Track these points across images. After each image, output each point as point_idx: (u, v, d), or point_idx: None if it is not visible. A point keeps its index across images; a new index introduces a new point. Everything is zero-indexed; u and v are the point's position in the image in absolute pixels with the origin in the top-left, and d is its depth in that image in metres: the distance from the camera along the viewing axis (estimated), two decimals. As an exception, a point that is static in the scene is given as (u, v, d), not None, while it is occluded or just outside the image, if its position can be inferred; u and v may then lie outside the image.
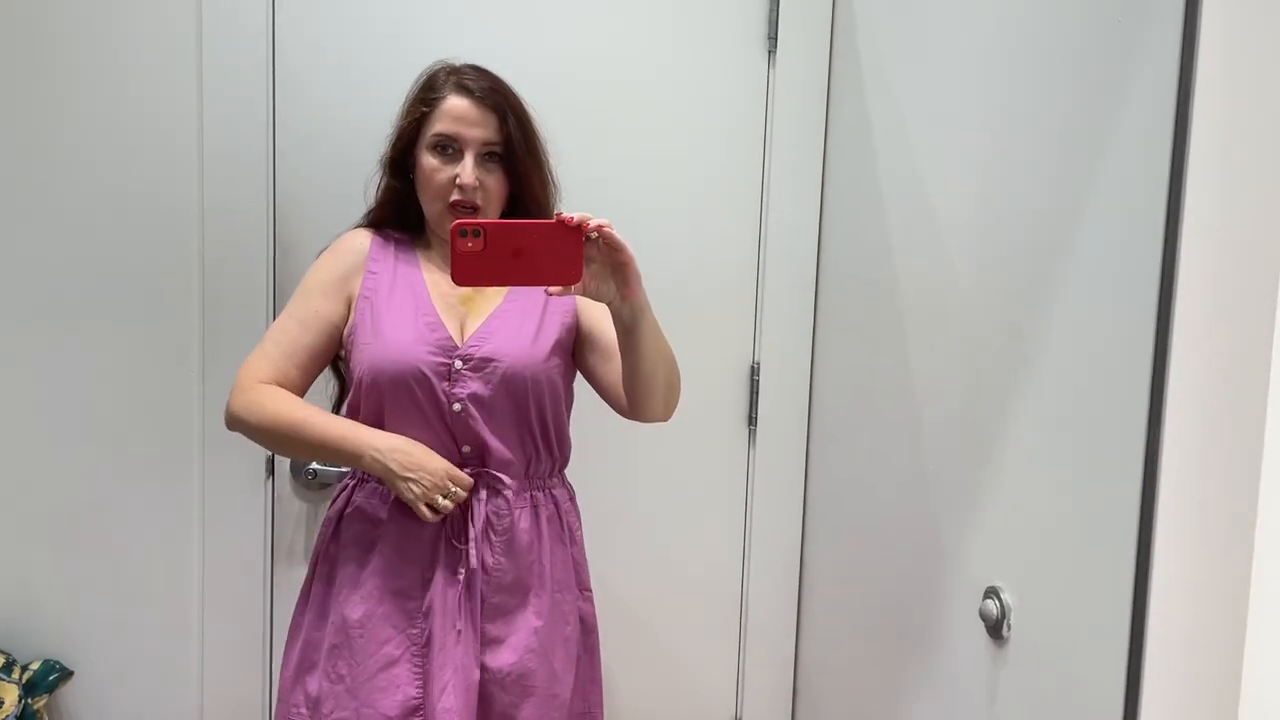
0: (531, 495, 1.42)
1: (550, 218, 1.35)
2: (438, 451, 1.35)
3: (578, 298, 1.43)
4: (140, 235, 1.76)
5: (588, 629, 1.50)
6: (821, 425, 1.90)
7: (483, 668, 1.37)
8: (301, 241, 1.77)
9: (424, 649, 1.37)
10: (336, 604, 1.40)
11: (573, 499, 1.51)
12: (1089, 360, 1.07)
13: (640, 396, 1.34)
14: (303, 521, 1.87)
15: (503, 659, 1.37)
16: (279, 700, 1.46)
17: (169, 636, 1.82)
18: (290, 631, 1.48)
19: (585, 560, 1.51)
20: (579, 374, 1.49)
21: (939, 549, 1.38)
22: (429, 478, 1.32)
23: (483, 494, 1.37)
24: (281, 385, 1.40)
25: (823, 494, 1.89)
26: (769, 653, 2.00)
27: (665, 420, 1.40)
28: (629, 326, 1.26)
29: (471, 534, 1.37)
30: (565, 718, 1.42)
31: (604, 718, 1.52)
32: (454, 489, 1.34)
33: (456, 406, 1.36)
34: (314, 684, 1.41)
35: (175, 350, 1.78)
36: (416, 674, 1.36)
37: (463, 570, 1.36)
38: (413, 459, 1.33)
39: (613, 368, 1.39)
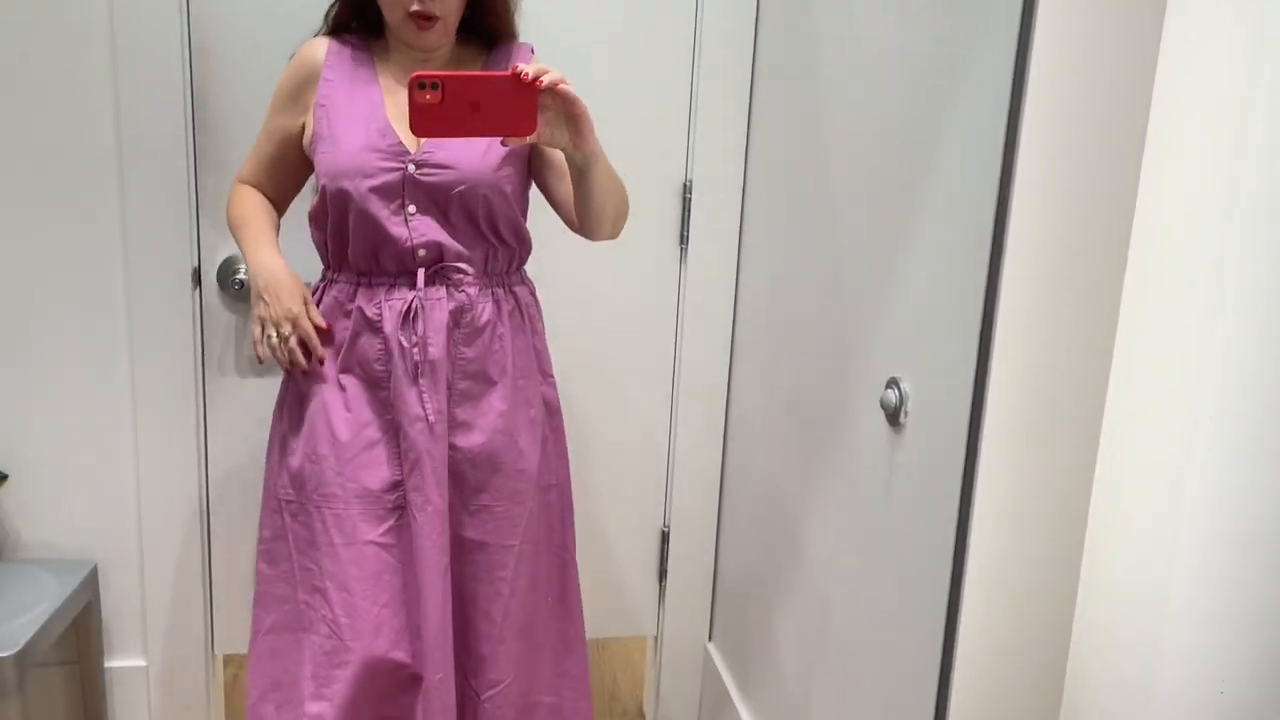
0: (493, 291, 1.50)
1: (510, 31, 1.50)
2: (393, 254, 1.44)
3: None
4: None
5: (551, 410, 1.61)
6: (751, 242, 1.91)
7: (453, 447, 1.48)
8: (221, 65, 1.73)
9: (395, 434, 1.48)
10: (316, 387, 1.50)
11: (533, 293, 1.59)
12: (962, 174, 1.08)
13: (590, 225, 1.45)
14: (232, 334, 1.87)
15: (472, 440, 1.48)
16: (265, 491, 1.57)
17: (103, 443, 1.84)
18: (272, 425, 1.58)
19: (546, 349, 1.61)
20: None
21: (848, 346, 1.42)
22: (276, 306, 1.44)
23: (442, 291, 1.45)
24: (255, 184, 1.56)
25: (750, 309, 1.92)
26: (696, 464, 2.06)
27: (613, 239, 1.51)
28: (582, 170, 1.36)
29: (419, 330, 1.45)
30: (533, 488, 1.55)
31: (572, 486, 1.66)
32: (286, 329, 1.44)
33: (412, 209, 1.42)
34: (295, 462, 1.50)
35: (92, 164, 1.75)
36: (394, 454, 1.47)
37: (416, 363, 1.45)
38: (272, 286, 1.45)
39: (565, 186, 1.47)
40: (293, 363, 1.47)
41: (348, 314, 1.47)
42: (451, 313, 1.44)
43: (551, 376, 1.61)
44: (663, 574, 2.11)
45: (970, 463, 1.08)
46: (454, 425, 1.48)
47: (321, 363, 1.48)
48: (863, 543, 1.38)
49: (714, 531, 2.09)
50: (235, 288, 1.83)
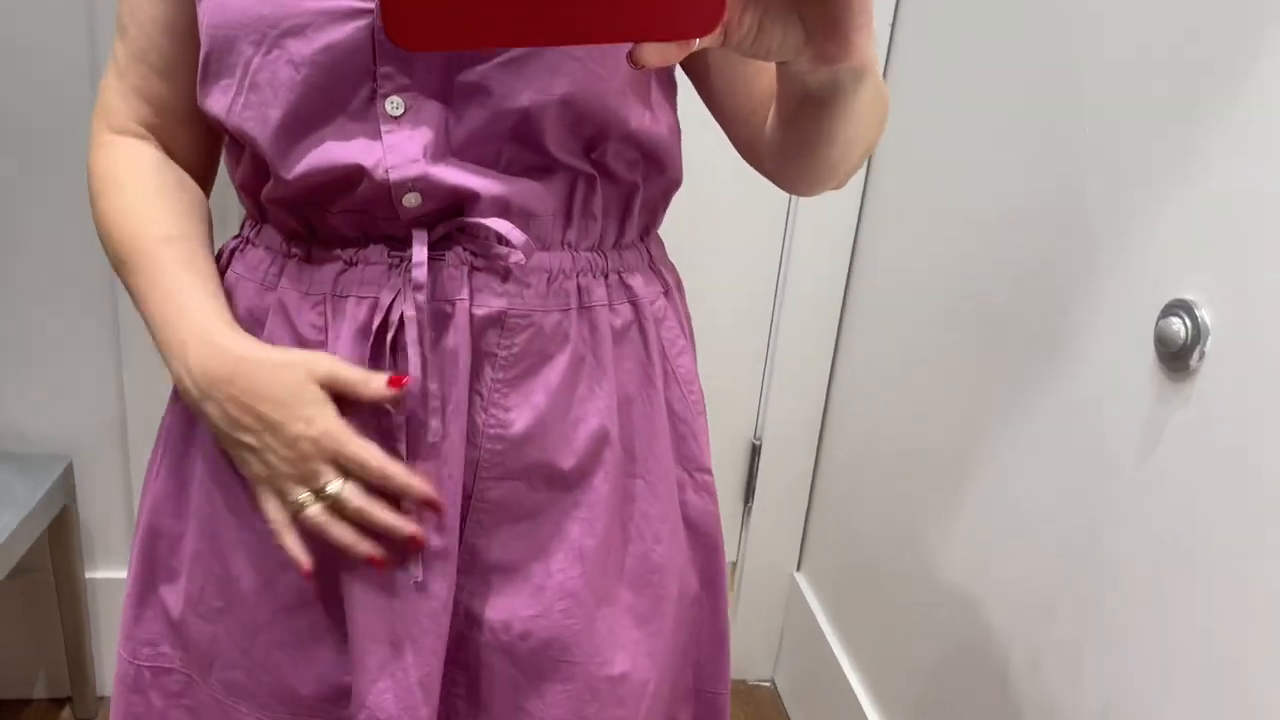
0: (579, 285, 0.71)
1: None
2: (355, 202, 0.66)
3: None
4: None
5: (704, 543, 0.81)
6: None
7: (476, 624, 0.73)
8: None
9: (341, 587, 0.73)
10: (203, 469, 0.75)
11: (670, 292, 0.79)
12: None
13: (814, 174, 0.70)
14: (218, 212, 1.47)
15: (514, 610, 0.72)
16: (121, 639, 0.81)
17: (79, 324, 1.48)
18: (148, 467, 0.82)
19: (699, 413, 0.80)
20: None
21: (1086, 235, 1.02)
22: (284, 451, 0.65)
23: (461, 273, 0.68)
24: (150, 124, 0.75)
25: (897, 152, 1.51)
26: (800, 366, 1.69)
27: (837, 190, 0.77)
28: (824, 100, 0.59)
29: (405, 368, 0.67)
30: (647, 711, 0.78)
31: (728, 704, 0.87)
32: (340, 484, 0.66)
33: (394, 104, 0.65)
34: (174, 603, 0.77)
35: None
36: (339, 629, 0.73)
37: (404, 440, 0.69)
38: (254, 398, 0.65)
39: (760, 86, 0.73)
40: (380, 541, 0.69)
41: (263, 315, 0.72)
42: (480, 328, 0.68)
43: (707, 472, 0.81)
44: (749, 493, 1.78)
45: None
46: (476, 571, 0.73)
47: (439, 513, 0.69)
48: (1059, 513, 1.03)
49: (814, 449, 1.74)
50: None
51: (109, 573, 1.61)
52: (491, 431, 0.70)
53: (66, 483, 1.50)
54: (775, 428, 1.72)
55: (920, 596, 1.36)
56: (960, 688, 1.25)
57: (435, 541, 0.69)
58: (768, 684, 1.87)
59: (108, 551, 1.61)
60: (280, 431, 0.65)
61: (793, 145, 0.66)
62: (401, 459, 0.67)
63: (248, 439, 0.66)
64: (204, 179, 0.80)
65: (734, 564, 1.85)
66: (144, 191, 0.72)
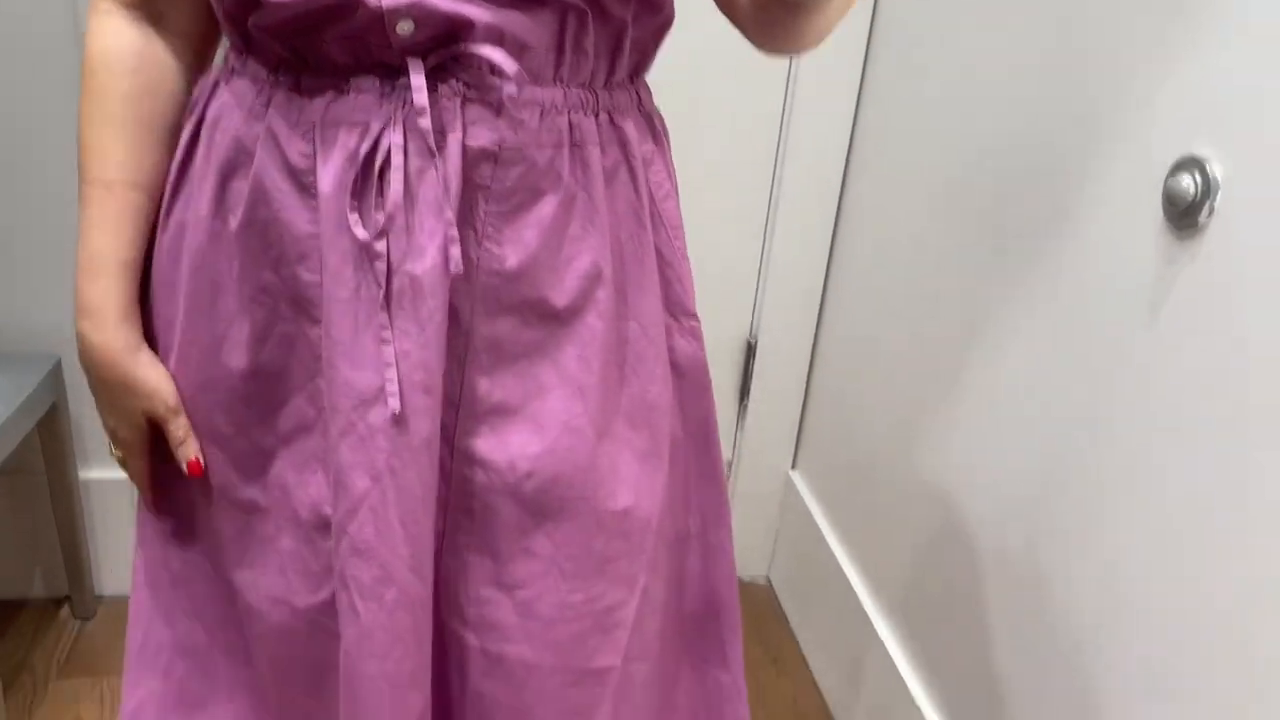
0: (571, 122, 0.70)
1: None
2: (344, 31, 0.64)
3: None
4: None
5: (691, 384, 0.81)
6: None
7: (471, 462, 0.73)
8: None
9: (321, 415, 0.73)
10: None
11: (658, 137, 0.78)
12: None
13: (792, 36, 0.71)
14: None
15: (513, 448, 0.72)
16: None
17: (62, 214, 1.45)
18: None
19: (683, 254, 0.80)
20: None
21: (1094, 96, 1.00)
22: (102, 411, 0.77)
23: (454, 105, 0.66)
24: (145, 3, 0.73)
25: (894, 35, 1.48)
26: (796, 263, 1.67)
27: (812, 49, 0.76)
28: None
29: (395, 201, 0.65)
30: (647, 549, 0.79)
31: (732, 544, 0.88)
32: (117, 453, 0.79)
33: None
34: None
35: None
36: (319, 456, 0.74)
37: (386, 279, 0.67)
38: (90, 370, 0.75)
39: None
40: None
41: (252, 144, 0.69)
42: (472, 161, 0.67)
43: (694, 318, 0.81)
44: (744, 391, 1.77)
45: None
46: (473, 414, 0.72)
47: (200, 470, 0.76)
48: (1054, 379, 1.02)
49: (810, 347, 1.74)
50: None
51: (102, 473, 1.60)
52: (486, 266, 0.70)
53: (55, 380, 1.48)
54: (771, 326, 1.71)
55: (917, 489, 1.36)
56: (957, 577, 1.26)
57: (418, 376, 0.68)
58: (763, 581, 1.89)
59: (100, 452, 1.60)
60: (104, 414, 0.78)
61: (767, 15, 0.70)
62: (380, 287, 0.67)
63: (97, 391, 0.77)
64: (199, 48, 0.78)
65: (730, 463, 1.86)
66: (106, 115, 0.73)
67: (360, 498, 0.69)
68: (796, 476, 1.81)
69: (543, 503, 0.73)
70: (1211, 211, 0.84)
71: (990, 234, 1.20)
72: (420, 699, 0.73)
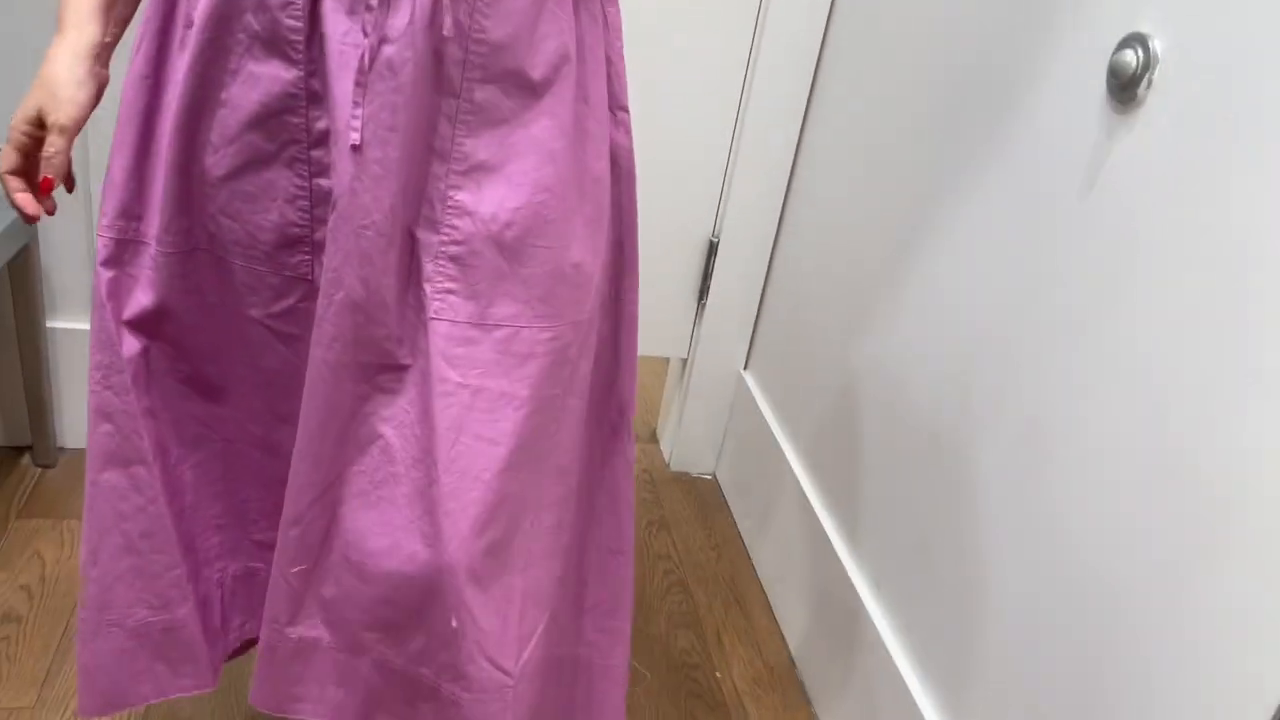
0: None
1: None
2: None
3: None
4: None
5: (621, 173, 0.92)
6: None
7: (460, 210, 0.82)
8: None
9: (316, 144, 0.82)
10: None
11: None
12: None
13: None
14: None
15: (496, 199, 0.81)
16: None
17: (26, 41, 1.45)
18: None
19: (621, 54, 0.89)
20: None
21: None
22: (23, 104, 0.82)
23: None
24: None
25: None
26: (761, 161, 1.72)
27: None
28: None
29: None
30: (592, 303, 0.91)
31: (638, 304, 1.00)
32: None
33: None
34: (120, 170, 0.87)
35: None
36: (301, 185, 0.83)
37: (370, 50, 0.76)
38: (43, 75, 0.81)
39: None
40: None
41: None
42: None
43: (625, 110, 0.91)
44: (704, 291, 1.83)
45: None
46: (461, 171, 0.81)
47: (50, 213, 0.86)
48: (1001, 266, 1.09)
49: (769, 249, 1.80)
50: None
51: (69, 323, 1.63)
52: (476, 36, 0.78)
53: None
54: (733, 226, 1.77)
55: (860, 384, 1.43)
56: (896, 466, 1.33)
57: (384, 116, 0.76)
58: (709, 476, 1.97)
59: (68, 303, 1.62)
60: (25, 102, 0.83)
61: None
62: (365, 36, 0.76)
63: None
64: None
65: (685, 361, 1.92)
66: None
67: (333, 205, 0.80)
68: (749, 376, 1.88)
69: (518, 250, 0.83)
70: (1150, 84, 0.91)
71: (947, 128, 1.26)
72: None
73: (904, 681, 1.24)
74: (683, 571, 1.70)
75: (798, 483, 1.60)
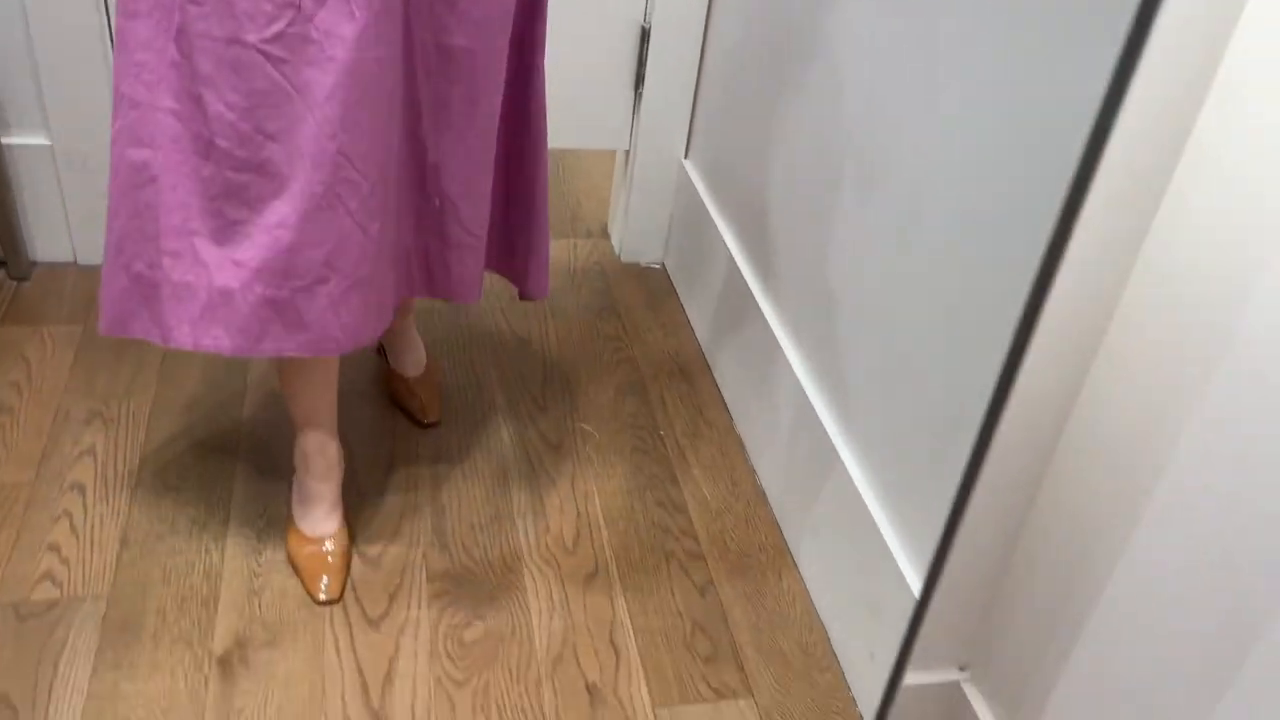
0: None
1: None
2: None
3: None
4: None
5: None
6: None
7: (442, 33, 1.10)
8: None
9: None
10: None
11: None
12: None
13: None
14: None
15: (449, 28, 1.10)
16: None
17: None
18: None
19: None
20: None
21: None
22: None
23: None
24: None
25: None
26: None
27: None
28: None
29: None
30: (497, 90, 1.19)
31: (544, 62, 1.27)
32: None
33: None
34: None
35: None
36: None
37: None
38: None
39: None
40: None
41: None
42: None
43: None
44: (639, 80, 1.88)
45: None
46: (438, 12, 1.09)
47: None
48: (912, 40, 1.15)
49: (701, 34, 1.83)
50: None
51: (24, 139, 1.68)
52: None
53: (-31, 37, 1.54)
54: (664, 10, 1.80)
55: (794, 172, 1.51)
56: (819, 254, 1.42)
57: None
58: (658, 266, 2.06)
59: (20, 118, 1.67)
60: None
61: None
62: None
63: None
64: None
65: (627, 153, 1.98)
66: None
67: None
68: (689, 165, 1.95)
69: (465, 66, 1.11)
70: None
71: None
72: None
73: (815, 412, 1.37)
74: (631, 350, 1.82)
75: (731, 258, 1.70)
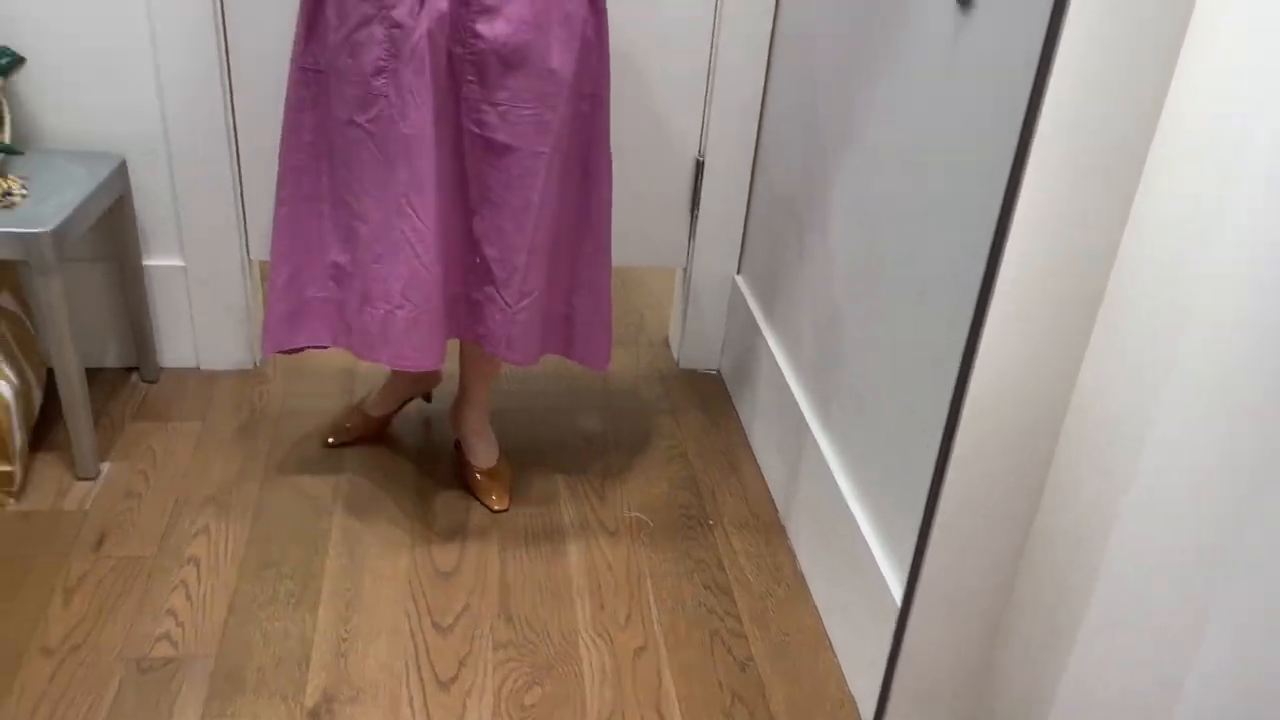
0: None
1: None
2: None
3: None
4: None
5: (595, 9, 1.45)
6: None
7: (476, 36, 1.38)
8: None
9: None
10: None
11: None
12: None
13: None
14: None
15: (496, 30, 1.37)
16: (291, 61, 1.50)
17: (117, 28, 1.77)
18: None
19: None
20: None
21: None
22: None
23: None
24: None
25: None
26: (737, 86, 1.96)
27: None
28: None
29: None
30: (567, 94, 1.44)
31: (609, 101, 1.55)
32: None
33: None
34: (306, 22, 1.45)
35: None
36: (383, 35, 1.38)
37: None
38: None
39: None
40: None
41: None
42: None
43: None
44: (695, 204, 2.08)
45: (1048, 50, 0.99)
46: (478, 11, 1.36)
47: None
48: (913, 145, 1.33)
49: (750, 160, 2.04)
50: None
51: (162, 260, 1.95)
52: None
53: (122, 175, 1.82)
54: (716, 145, 2.01)
55: (835, 285, 1.68)
56: (860, 360, 1.59)
57: None
58: (714, 372, 2.23)
59: (160, 244, 1.95)
60: None
61: None
62: None
63: None
64: None
65: (684, 270, 2.18)
66: None
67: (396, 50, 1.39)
68: (740, 280, 2.13)
69: (508, 59, 1.39)
70: (978, -13, 1.14)
71: (863, 33, 1.49)
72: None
73: (857, 524, 1.50)
74: (685, 446, 1.98)
75: (775, 363, 1.86)
